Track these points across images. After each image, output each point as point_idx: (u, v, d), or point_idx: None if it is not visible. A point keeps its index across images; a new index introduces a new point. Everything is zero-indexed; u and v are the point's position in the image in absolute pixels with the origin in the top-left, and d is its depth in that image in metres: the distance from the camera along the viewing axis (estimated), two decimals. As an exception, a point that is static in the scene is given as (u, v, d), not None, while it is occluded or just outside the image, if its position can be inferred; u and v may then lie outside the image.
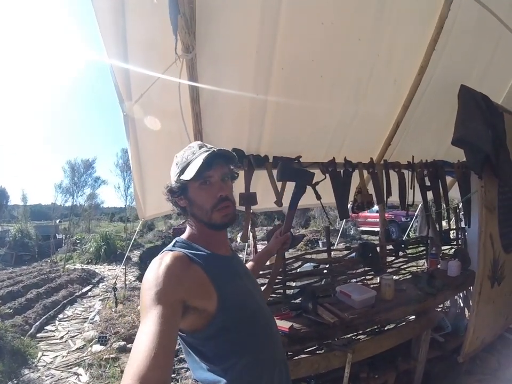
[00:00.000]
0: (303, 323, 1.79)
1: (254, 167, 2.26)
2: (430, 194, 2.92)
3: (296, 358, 1.85)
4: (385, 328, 2.30)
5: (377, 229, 6.00)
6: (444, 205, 3.00)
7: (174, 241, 0.93)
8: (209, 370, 0.85)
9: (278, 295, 2.35)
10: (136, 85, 1.87)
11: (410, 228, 5.86)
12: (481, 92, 2.25)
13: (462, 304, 2.97)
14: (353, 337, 2.15)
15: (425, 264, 3.18)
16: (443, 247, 3.22)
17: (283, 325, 1.71)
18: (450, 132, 2.16)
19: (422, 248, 3.12)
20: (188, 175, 0.87)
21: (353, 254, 2.74)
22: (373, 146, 2.81)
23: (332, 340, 1.81)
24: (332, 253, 2.69)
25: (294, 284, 3.33)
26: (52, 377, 3.39)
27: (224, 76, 1.84)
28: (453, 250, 3.14)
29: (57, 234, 14.87)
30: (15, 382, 3.29)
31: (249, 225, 2.37)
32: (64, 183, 17.65)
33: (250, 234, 3.45)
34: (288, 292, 2.37)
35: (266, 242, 1.58)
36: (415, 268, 3.22)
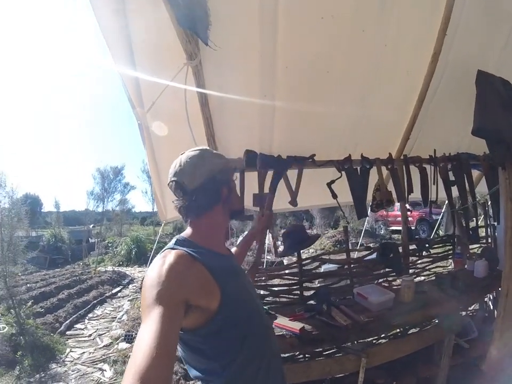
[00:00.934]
0: (315, 325, 1.74)
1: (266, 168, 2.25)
2: (455, 190, 2.76)
3: (307, 360, 1.82)
4: (408, 332, 2.18)
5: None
6: (471, 201, 2.82)
7: (174, 239, 0.94)
8: (207, 368, 0.87)
9: (295, 296, 2.34)
10: (147, 92, 1.94)
11: (438, 225, 5.55)
12: (500, 77, 2.08)
13: (491, 307, 2.77)
14: (373, 341, 2.07)
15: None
16: (471, 246, 3.01)
17: (294, 326, 1.69)
18: (472, 122, 2.03)
19: (449, 248, 2.94)
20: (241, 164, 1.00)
21: (374, 255, 2.66)
22: (391, 141, 2.70)
23: (346, 343, 1.75)
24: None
25: (317, 284, 3.28)
26: (77, 372, 3.58)
27: (229, 80, 1.87)
28: (481, 249, 2.94)
29: (90, 239, 15.52)
30: (43, 374, 3.51)
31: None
32: (96, 190, 18.53)
33: (270, 234, 3.47)
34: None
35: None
36: (441, 268, 3.04)
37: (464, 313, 2.36)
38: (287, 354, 1.88)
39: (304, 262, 2.40)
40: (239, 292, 0.93)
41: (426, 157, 2.66)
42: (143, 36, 1.64)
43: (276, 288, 2.38)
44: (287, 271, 2.51)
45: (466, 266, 2.61)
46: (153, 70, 1.79)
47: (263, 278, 2.34)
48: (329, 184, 2.34)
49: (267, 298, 2.32)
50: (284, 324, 1.75)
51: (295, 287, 2.35)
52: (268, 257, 6.93)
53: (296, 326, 1.69)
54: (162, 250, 0.89)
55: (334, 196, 2.35)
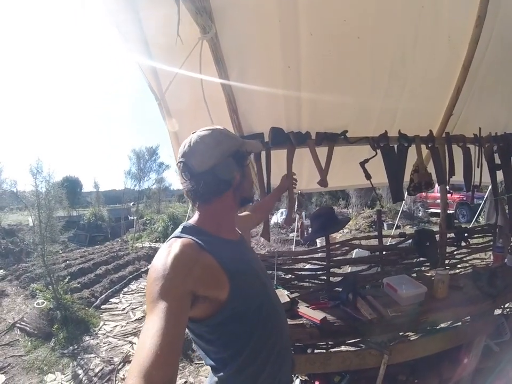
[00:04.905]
0: (338, 315, 1.66)
1: (295, 145, 2.14)
2: (500, 175, 2.46)
3: (327, 351, 1.75)
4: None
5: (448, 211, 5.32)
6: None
7: (181, 226, 0.89)
8: (217, 357, 0.87)
9: (321, 282, 2.25)
10: (164, 76, 1.87)
11: (479, 212, 5.10)
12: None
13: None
14: (399, 334, 1.94)
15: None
16: None
17: (315, 315, 1.62)
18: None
19: (489, 238, 2.67)
20: (259, 147, 1.04)
21: (409, 242, 2.48)
22: (432, 117, 2.43)
23: (369, 337, 1.64)
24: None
25: (349, 270, 3.16)
26: (108, 344, 3.82)
27: (249, 52, 1.74)
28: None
29: (129, 216, 16.23)
30: (76, 346, 3.78)
31: (295, 207, 2.32)
32: (132, 170, 19.30)
33: (297, 215, 3.36)
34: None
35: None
36: (479, 260, 2.78)
37: (498, 312, 2.13)
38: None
39: (332, 247, 2.29)
40: (249, 281, 0.89)
41: (470, 135, 2.37)
42: (155, 19, 1.55)
43: (301, 273, 2.31)
44: (315, 255, 2.41)
45: (506, 261, 2.34)
46: (168, 49, 1.71)
47: (289, 262, 2.27)
48: (362, 164, 2.17)
49: (292, 283, 2.25)
50: (305, 312, 1.68)
51: (320, 273, 2.26)
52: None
53: (318, 316, 1.62)
54: (169, 238, 0.85)
55: (368, 177, 2.18)
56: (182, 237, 0.82)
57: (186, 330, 0.86)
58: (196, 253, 0.79)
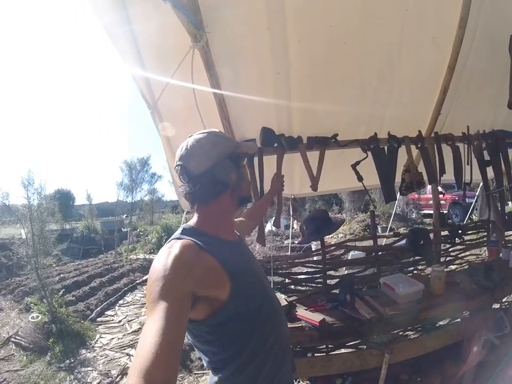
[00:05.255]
0: (337, 317, 1.65)
1: (286, 149, 2.16)
2: (490, 171, 2.51)
3: (327, 353, 1.74)
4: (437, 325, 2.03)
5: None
6: (507, 183, 2.56)
7: (181, 228, 0.90)
8: (216, 358, 0.87)
9: (318, 285, 2.25)
10: (156, 84, 1.89)
11: (472, 209, 5.18)
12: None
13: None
14: (399, 333, 1.95)
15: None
16: (507, 233, 2.73)
17: (314, 318, 1.61)
18: (508, 94, 1.82)
19: (483, 234, 2.70)
20: (254, 148, 1.06)
21: (404, 241, 2.50)
22: (420, 117, 2.48)
23: (369, 337, 1.64)
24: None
25: (346, 272, 3.16)
26: (106, 357, 3.73)
27: (239, 60, 1.78)
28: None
29: (122, 228, 16.07)
30: (72, 360, 3.69)
31: (281, 211, 2.32)
32: (124, 181, 19.14)
33: (295, 221, 3.36)
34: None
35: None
36: (475, 257, 2.81)
37: (496, 306, 2.15)
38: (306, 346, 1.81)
39: (328, 250, 2.30)
40: (249, 281, 0.90)
41: (459, 134, 2.42)
42: (147, 25, 1.57)
43: (298, 277, 2.31)
44: (311, 258, 2.41)
45: (501, 255, 2.37)
46: (160, 58, 1.74)
47: (285, 266, 2.27)
48: (354, 166, 2.21)
49: (289, 287, 2.25)
50: (304, 315, 1.67)
51: (318, 276, 2.26)
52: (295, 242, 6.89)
53: (316, 318, 1.61)
54: (169, 240, 0.86)
55: (360, 179, 2.22)
56: (182, 238, 0.83)
57: (189, 332, 0.87)
58: (196, 253, 0.79)
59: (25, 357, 3.77)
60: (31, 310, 4.58)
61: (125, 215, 18.55)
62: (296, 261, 2.33)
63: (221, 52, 1.67)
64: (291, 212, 5.42)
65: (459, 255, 2.58)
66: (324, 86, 2.05)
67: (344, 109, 2.19)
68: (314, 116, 2.19)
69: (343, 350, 2.09)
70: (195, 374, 3.13)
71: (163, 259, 0.75)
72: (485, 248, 2.76)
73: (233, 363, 0.84)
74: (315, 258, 2.48)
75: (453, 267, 2.64)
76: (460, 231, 2.55)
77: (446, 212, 9.75)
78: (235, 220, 1.33)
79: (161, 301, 0.66)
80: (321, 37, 1.77)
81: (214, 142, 0.90)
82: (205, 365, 0.92)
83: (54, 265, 6.30)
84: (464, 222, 4.93)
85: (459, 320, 2.06)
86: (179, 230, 0.89)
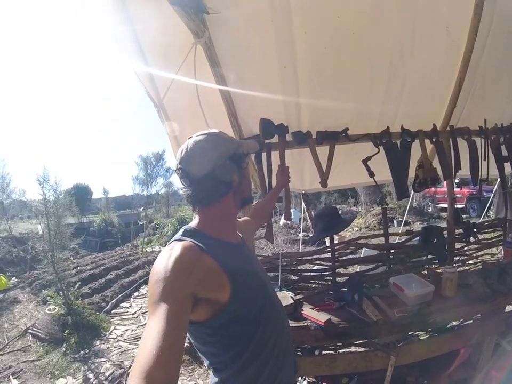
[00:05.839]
0: (343, 317, 1.63)
1: (294, 144, 2.11)
2: (508, 167, 2.40)
3: (332, 353, 1.72)
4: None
5: (458, 206, 5.18)
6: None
7: (182, 229, 0.90)
8: (217, 359, 0.88)
9: (327, 282, 2.22)
10: (161, 82, 1.89)
11: (490, 205, 4.95)
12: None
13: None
14: (408, 335, 1.90)
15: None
16: None
17: (320, 317, 1.60)
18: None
19: (500, 233, 2.59)
20: (255, 147, 1.04)
21: (417, 239, 2.43)
22: (435, 111, 2.36)
23: (375, 339, 1.61)
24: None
25: (358, 269, 3.11)
26: (119, 348, 3.85)
27: (244, 54, 1.73)
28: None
29: (139, 221, 16.33)
30: (87, 351, 3.83)
31: (291, 204, 2.30)
32: (140, 176, 19.48)
33: (307, 214, 3.37)
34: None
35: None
36: (490, 256, 2.70)
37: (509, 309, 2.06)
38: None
39: (337, 247, 2.27)
40: (250, 283, 0.90)
41: (475, 128, 2.31)
42: (148, 23, 1.56)
43: (306, 274, 2.29)
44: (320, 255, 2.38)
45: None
46: (164, 56, 1.72)
47: (294, 263, 2.25)
48: (365, 161, 2.14)
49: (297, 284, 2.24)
50: (310, 314, 1.66)
51: (326, 273, 2.23)
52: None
53: (322, 317, 1.59)
54: (170, 241, 0.86)
55: (371, 174, 2.14)
56: (183, 240, 0.83)
57: (190, 334, 0.88)
58: (197, 255, 0.79)
59: (41, 348, 3.93)
60: (48, 302, 4.78)
61: (141, 208, 18.91)
62: (305, 258, 2.30)
63: (225, 47, 1.63)
64: (303, 207, 5.36)
65: (474, 254, 2.49)
66: (333, 79, 1.98)
67: (354, 102, 2.11)
68: (324, 109, 2.12)
69: (352, 348, 2.07)
70: (205, 366, 3.18)
71: (164, 261, 0.75)
72: (501, 247, 2.64)
73: (234, 364, 0.85)
74: (325, 255, 2.45)
75: (467, 266, 2.55)
76: (475, 230, 2.45)
77: (463, 206, 9.47)
78: (239, 219, 1.32)
79: (162, 302, 0.67)
80: (329, 27, 1.70)
81: (214, 144, 0.89)
82: (206, 365, 0.92)
83: (72, 258, 6.51)
84: (482, 218, 4.76)
85: (470, 322, 2.00)
86: (180, 232, 0.89)
